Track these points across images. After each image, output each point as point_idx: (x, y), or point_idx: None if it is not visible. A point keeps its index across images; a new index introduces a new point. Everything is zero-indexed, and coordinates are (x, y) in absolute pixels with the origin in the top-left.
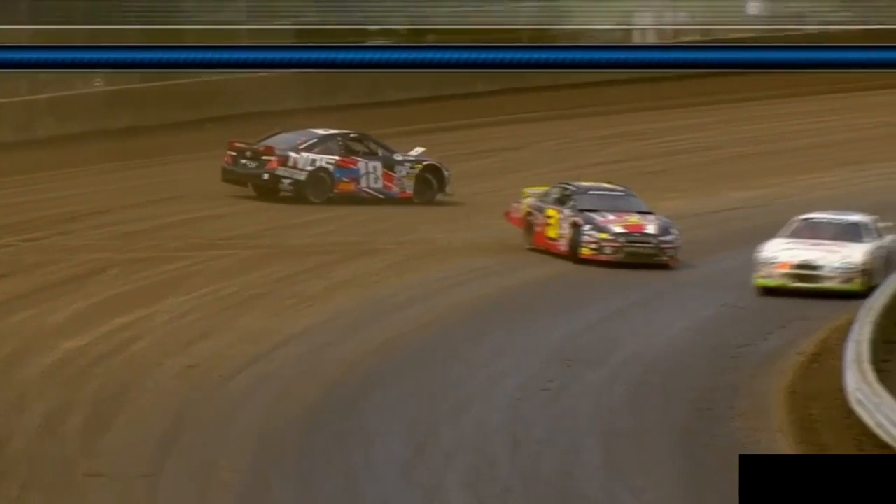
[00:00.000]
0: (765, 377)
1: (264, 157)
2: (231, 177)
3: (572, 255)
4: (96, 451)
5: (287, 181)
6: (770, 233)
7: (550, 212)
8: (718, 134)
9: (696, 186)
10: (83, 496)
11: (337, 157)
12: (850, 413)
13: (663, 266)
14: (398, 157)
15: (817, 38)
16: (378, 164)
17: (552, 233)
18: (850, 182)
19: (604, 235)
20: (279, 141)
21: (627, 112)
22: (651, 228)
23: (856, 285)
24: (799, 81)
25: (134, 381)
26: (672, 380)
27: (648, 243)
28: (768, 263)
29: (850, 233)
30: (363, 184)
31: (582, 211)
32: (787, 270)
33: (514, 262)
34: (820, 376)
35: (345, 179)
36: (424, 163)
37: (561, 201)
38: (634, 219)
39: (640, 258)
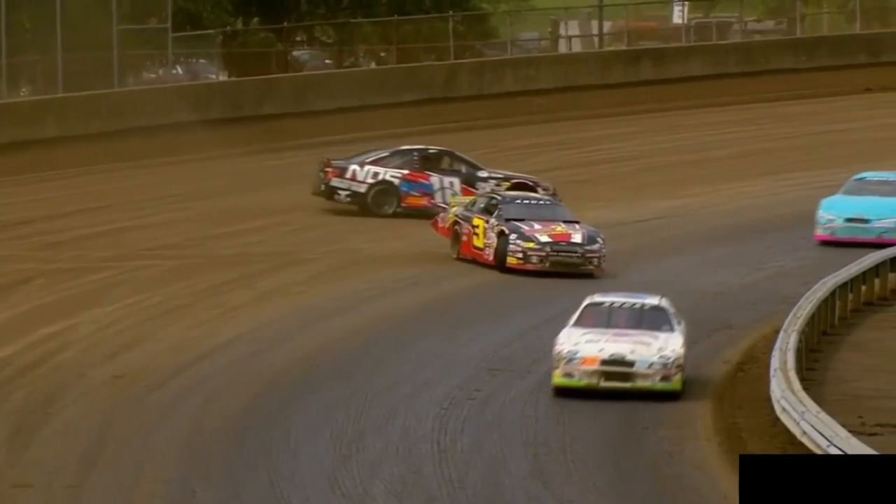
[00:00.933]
0: (691, 386)
1: (325, 169)
2: (312, 189)
3: (499, 265)
4: (23, 461)
5: (344, 192)
6: (696, 242)
7: (477, 221)
8: (641, 144)
9: (621, 196)
10: None
11: (405, 172)
12: (776, 422)
13: (589, 275)
14: (483, 173)
15: (741, 47)
16: (456, 181)
17: (479, 242)
18: (773, 191)
19: (530, 245)
20: (368, 155)
21: (551, 122)
22: (577, 237)
23: (675, 384)
24: (718, 91)
25: (59, 392)
26: (598, 391)
27: (574, 252)
28: (569, 359)
29: (656, 319)
30: (438, 199)
31: (508, 220)
32: (595, 367)
33: (440, 272)
34: (746, 385)
35: (414, 193)
36: (513, 180)
37: (488, 210)
38: (561, 228)
39: (566, 267)
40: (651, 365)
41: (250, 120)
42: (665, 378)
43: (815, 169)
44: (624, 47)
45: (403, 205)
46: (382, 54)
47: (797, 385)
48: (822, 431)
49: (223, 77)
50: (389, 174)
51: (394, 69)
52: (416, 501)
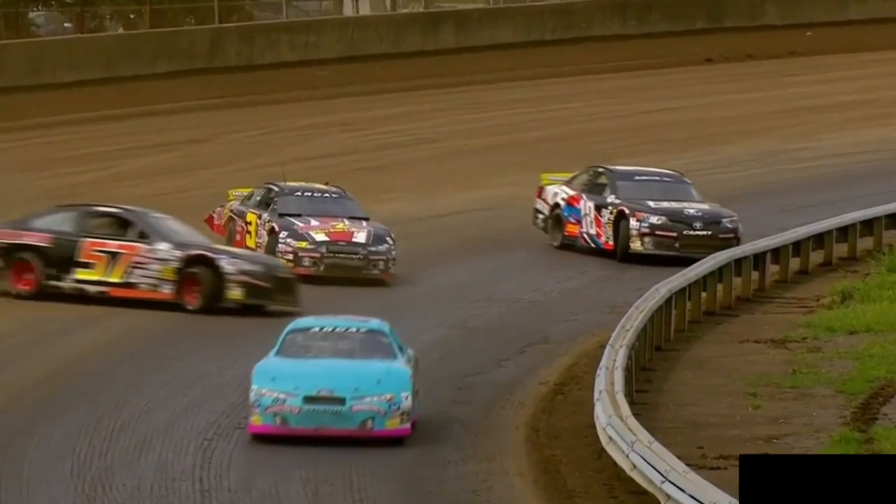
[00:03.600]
0: (500, 412)
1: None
2: None
3: None
4: None
5: (540, 216)
6: (507, 240)
7: (251, 216)
8: (441, 124)
9: (419, 186)
10: None
11: (571, 193)
12: (601, 453)
13: (376, 282)
14: (609, 197)
15: (560, 10)
16: (591, 204)
17: (251, 241)
18: None
19: (302, 244)
20: None
21: (335, 98)
22: (361, 237)
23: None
24: (532, 62)
25: None
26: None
27: (355, 254)
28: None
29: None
30: (583, 227)
31: (283, 216)
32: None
33: None
34: (565, 410)
35: (571, 220)
36: None
37: (265, 204)
38: (342, 225)
39: (344, 271)
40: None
41: None
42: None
43: (646, 154)
44: (421, 10)
45: (566, 233)
46: (132, 16)
47: (626, 410)
48: (655, 465)
49: None
50: (562, 195)
51: (146, 34)
52: None
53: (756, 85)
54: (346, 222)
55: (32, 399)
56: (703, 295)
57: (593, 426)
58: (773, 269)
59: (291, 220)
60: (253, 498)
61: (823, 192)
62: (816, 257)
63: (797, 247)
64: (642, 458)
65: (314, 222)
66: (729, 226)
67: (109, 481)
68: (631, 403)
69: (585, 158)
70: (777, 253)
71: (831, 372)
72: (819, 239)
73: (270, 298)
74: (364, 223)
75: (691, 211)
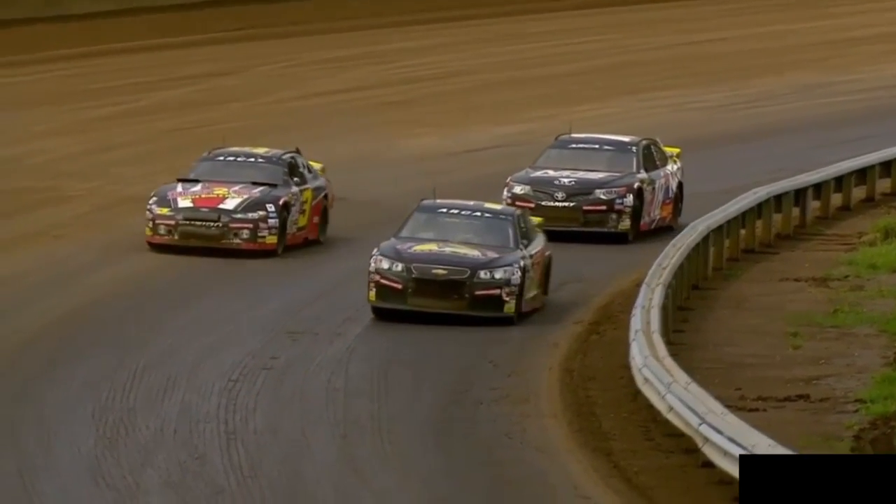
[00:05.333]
0: (533, 352)
1: None
2: None
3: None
4: None
5: None
6: None
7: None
8: (470, 57)
9: (448, 120)
10: None
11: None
12: (637, 395)
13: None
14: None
15: None
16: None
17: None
18: (634, 114)
19: (163, 211)
20: None
21: (360, 30)
22: (231, 203)
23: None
24: None
25: None
26: (422, 358)
27: (213, 221)
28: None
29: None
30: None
31: (181, 180)
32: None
33: None
34: (600, 351)
35: None
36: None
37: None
38: (222, 190)
39: (200, 240)
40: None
41: None
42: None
43: (681, 88)
44: None
45: None
46: None
47: (663, 350)
48: (692, 407)
49: None
50: None
51: None
52: (198, 495)
53: (796, 16)
54: (235, 188)
55: (52, 340)
56: (742, 232)
57: (628, 367)
58: (814, 205)
59: (171, 186)
60: (279, 441)
61: (865, 125)
62: (859, 193)
63: (839, 182)
64: (679, 399)
65: (196, 188)
66: (603, 197)
67: (132, 423)
68: (667, 343)
69: (617, 92)
70: (818, 188)
71: (874, 311)
72: (861, 174)
73: None
74: (258, 189)
75: (564, 180)
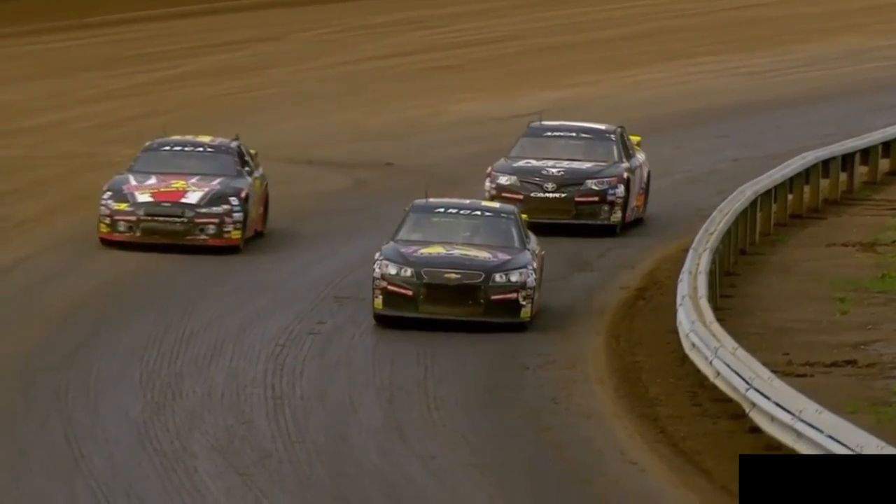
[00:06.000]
0: (580, 318)
1: None
2: None
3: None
4: None
5: None
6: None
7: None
8: (517, 22)
9: (496, 85)
10: None
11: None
12: (684, 360)
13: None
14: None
15: None
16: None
17: None
18: (678, 80)
19: (121, 207)
20: None
21: None
22: (194, 197)
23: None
24: None
25: None
26: (468, 323)
27: (178, 216)
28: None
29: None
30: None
31: (131, 171)
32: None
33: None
34: (646, 316)
35: None
36: None
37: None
38: (180, 184)
39: (164, 236)
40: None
41: None
42: None
43: (728, 52)
44: None
45: None
46: None
47: (710, 316)
48: (739, 372)
49: None
50: None
51: None
52: (245, 459)
53: None
54: (193, 181)
55: (98, 306)
56: (790, 197)
57: (675, 332)
58: (861, 170)
59: (124, 177)
60: (326, 406)
61: None
62: None
63: (886, 147)
64: (726, 364)
65: (151, 180)
66: (595, 188)
67: (179, 388)
68: (714, 309)
69: (661, 58)
70: (866, 154)
71: None
72: None
73: None
74: (216, 181)
75: (553, 170)
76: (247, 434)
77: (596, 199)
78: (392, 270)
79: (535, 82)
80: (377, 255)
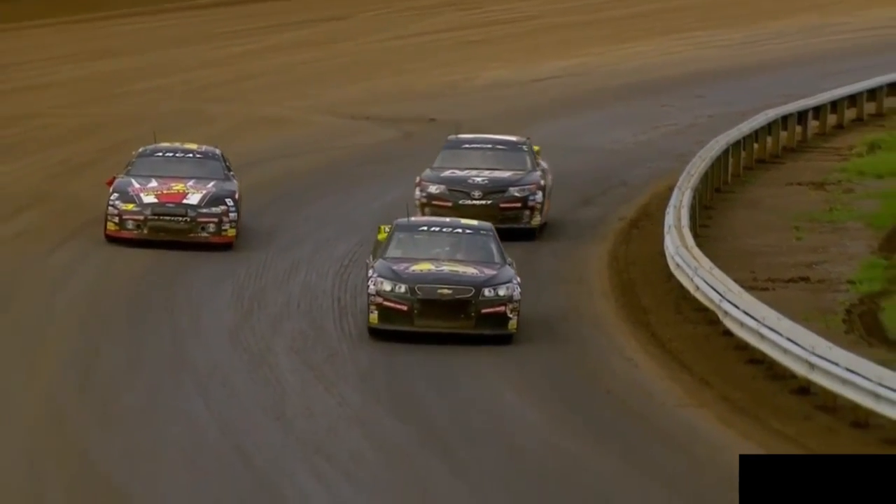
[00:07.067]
0: (586, 243)
1: None
2: None
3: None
4: None
5: None
6: (591, 101)
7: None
8: (538, 4)
9: (518, 56)
10: None
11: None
12: (670, 277)
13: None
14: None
15: None
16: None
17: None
18: (668, 51)
19: (129, 207)
20: None
21: None
22: (194, 199)
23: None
24: None
25: None
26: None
27: (181, 216)
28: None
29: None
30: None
31: (128, 177)
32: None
33: (332, 135)
34: (640, 241)
35: None
36: None
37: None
38: (180, 186)
39: (170, 234)
40: None
41: None
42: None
43: (710, 28)
44: None
45: None
46: None
47: (691, 241)
48: (715, 287)
49: None
50: None
51: None
52: (317, 356)
53: None
54: (190, 183)
55: None
56: (755, 146)
57: (663, 255)
58: (813, 124)
59: (128, 180)
60: None
61: (857, 60)
62: (850, 114)
63: (834, 106)
64: (704, 280)
65: (153, 183)
66: (516, 194)
67: (264, 299)
68: (695, 236)
69: (655, 33)
70: (817, 111)
71: (862, 209)
72: (852, 99)
73: None
74: (210, 184)
75: (477, 179)
76: (318, 336)
77: (518, 204)
78: (387, 287)
79: (550, 53)
80: (370, 272)
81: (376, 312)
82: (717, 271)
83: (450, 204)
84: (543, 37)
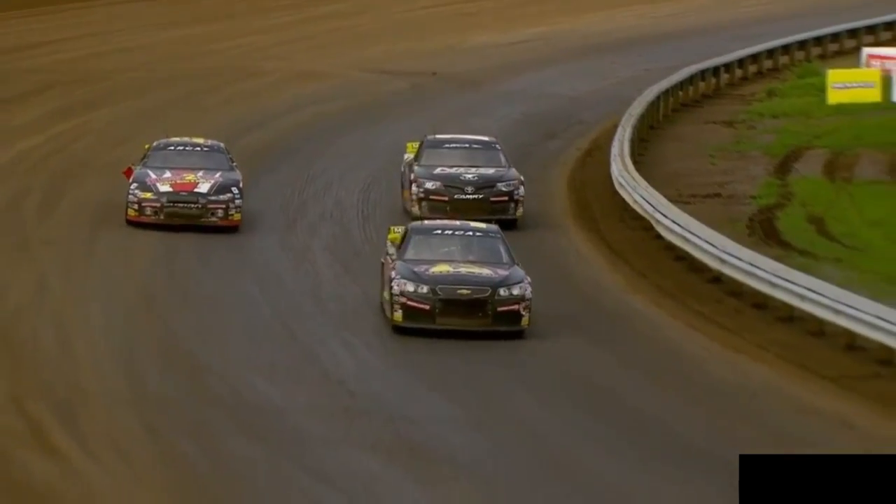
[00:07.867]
0: (551, 168)
1: None
2: None
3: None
4: (48, 224)
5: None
6: (553, 60)
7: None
8: None
9: (498, 24)
10: (39, 258)
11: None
12: (615, 194)
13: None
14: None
15: None
16: (409, 172)
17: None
18: (617, 22)
19: (147, 195)
20: None
21: None
22: (204, 187)
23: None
24: None
25: (74, 173)
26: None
27: (194, 203)
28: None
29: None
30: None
31: (146, 167)
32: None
33: (357, 86)
34: (593, 167)
35: (404, 186)
36: None
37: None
38: (191, 177)
39: (183, 219)
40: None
41: None
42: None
43: (649, 3)
44: None
45: None
46: None
47: (631, 166)
48: (649, 200)
49: None
50: None
51: None
52: (345, 254)
53: None
54: (200, 174)
55: (254, 161)
56: (681, 93)
57: (610, 177)
58: (725, 77)
59: (146, 171)
60: (395, 220)
61: (761, 27)
62: (753, 69)
63: (741, 62)
64: (641, 196)
65: (167, 174)
66: (504, 189)
67: (304, 211)
68: (634, 162)
69: (609, 6)
70: (728, 66)
71: (762, 142)
72: (754, 57)
73: None
74: (218, 174)
75: (468, 176)
76: (346, 238)
77: (506, 198)
78: (410, 288)
79: (524, 23)
80: (393, 273)
81: (401, 311)
82: (650, 189)
83: (446, 198)
84: (519, 10)
